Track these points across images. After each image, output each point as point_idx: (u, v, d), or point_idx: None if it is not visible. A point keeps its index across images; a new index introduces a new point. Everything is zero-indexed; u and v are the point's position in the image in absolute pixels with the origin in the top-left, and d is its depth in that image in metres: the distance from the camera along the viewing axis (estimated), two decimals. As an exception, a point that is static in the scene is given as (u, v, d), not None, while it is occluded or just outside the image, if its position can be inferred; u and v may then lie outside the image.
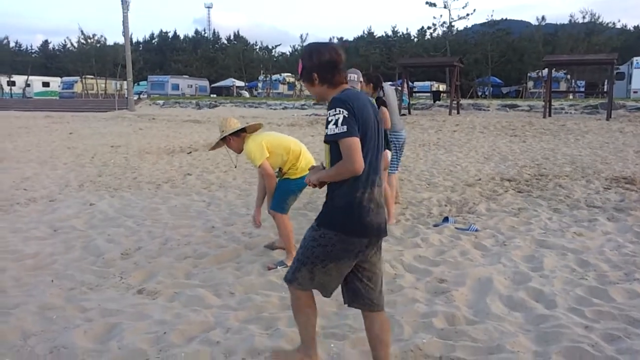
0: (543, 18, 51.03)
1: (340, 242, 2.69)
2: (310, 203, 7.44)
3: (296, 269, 2.86)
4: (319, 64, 2.73)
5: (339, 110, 2.54)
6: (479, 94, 50.06)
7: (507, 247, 5.32)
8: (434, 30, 50.64)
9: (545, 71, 43.35)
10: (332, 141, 2.59)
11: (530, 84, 48.14)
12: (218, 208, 7.31)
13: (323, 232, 2.73)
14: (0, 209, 7.32)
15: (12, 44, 71.02)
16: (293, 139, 5.22)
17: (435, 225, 6.20)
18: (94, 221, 6.65)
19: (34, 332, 3.55)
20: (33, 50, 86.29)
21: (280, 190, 5.00)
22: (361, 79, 5.95)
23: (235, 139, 5.02)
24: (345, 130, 2.52)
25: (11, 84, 61.04)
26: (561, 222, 6.30)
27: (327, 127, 2.57)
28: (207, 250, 5.40)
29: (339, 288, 2.95)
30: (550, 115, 23.55)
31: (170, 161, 11.79)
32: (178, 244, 5.64)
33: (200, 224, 6.48)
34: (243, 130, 5.06)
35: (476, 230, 5.95)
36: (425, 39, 61.68)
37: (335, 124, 2.53)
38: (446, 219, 6.38)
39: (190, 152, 13.24)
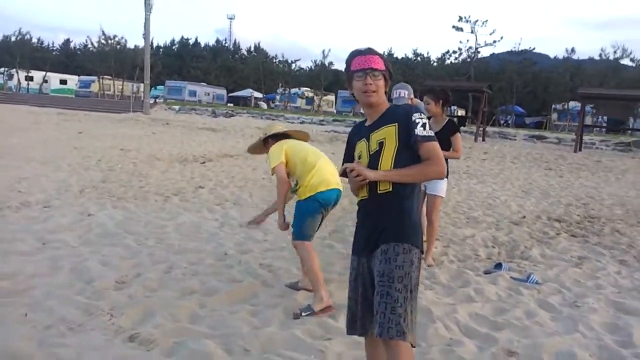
0: (572, 50, 50.05)
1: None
2: (337, 232, 6.53)
3: (406, 312, 2.34)
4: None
5: (423, 116, 2.56)
6: (502, 122, 49.04)
7: (580, 310, 4.36)
8: (460, 54, 49.77)
9: (571, 104, 42.60)
10: (421, 142, 2.50)
11: (554, 115, 47.06)
12: (232, 230, 6.40)
13: (416, 252, 2.47)
14: (-12, 212, 6.48)
15: (34, 40, 70.81)
16: (317, 151, 4.44)
17: (486, 273, 5.25)
18: (89, 235, 5.78)
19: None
20: (54, 48, 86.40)
21: (296, 214, 4.22)
22: (412, 96, 5.10)
23: (274, 144, 4.41)
24: (433, 134, 2.55)
25: (29, 79, 60.89)
26: (633, 279, 5.33)
27: (415, 128, 2.50)
28: (218, 285, 4.50)
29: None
30: (581, 150, 22.53)
31: (182, 170, 10.94)
32: (183, 274, 4.74)
33: (211, 248, 5.58)
34: (286, 135, 4.50)
35: (537, 283, 5.00)
36: (446, 63, 60.82)
37: (424, 127, 2.52)
38: (499, 265, 5.43)
39: (204, 162, 12.39)
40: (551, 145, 25.32)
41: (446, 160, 5.45)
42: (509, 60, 50.48)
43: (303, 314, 3.92)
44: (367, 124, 2.67)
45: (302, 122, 33.89)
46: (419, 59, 68.38)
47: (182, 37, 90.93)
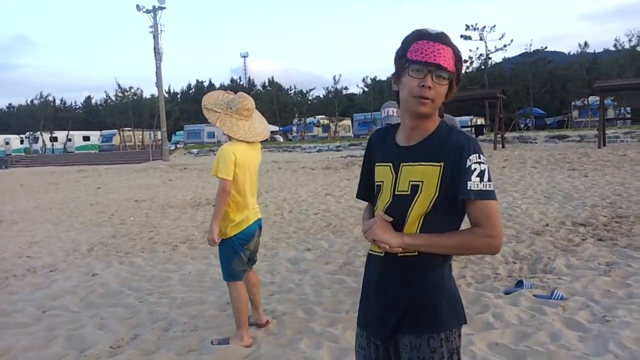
0: (586, 44, 49.03)
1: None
2: (347, 264, 6.23)
3: None
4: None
5: (484, 159, 1.74)
6: (522, 126, 48.21)
7: (610, 325, 3.98)
8: (471, 63, 49.09)
9: (591, 99, 41.65)
10: (473, 200, 1.71)
11: (575, 113, 46.15)
12: (238, 275, 6.14)
13: (457, 333, 1.85)
14: (-7, 284, 6.35)
15: (57, 102, 72.95)
16: (247, 172, 4.10)
17: (506, 293, 4.89)
18: (91, 297, 5.60)
19: None
20: (77, 107, 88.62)
21: (221, 256, 4.15)
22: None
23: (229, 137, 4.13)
24: (493, 189, 1.73)
25: (53, 139, 62.30)
26: (669, 282, 4.90)
27: (468, 178, 1.70)
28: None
29: None
30: (605, 145, 21.82)
31: (194, 215, 10.79)
32: (183, 330, 4.49)
33: (214, 298, 5.33)
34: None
35: (562, 298, 4.62)
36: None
37: (481, 176, 1.71)
38: (520, 283, 5.06)
39: (217, 204, 12.22)
40: (573, 144, 24.63)
41: None
42: (522, 62, 49.81)
43: (220, 344, 4.04)
44: (400, 141, 1.87)
45: (318, 151, 33.80)
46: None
47: (197, 81, 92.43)
